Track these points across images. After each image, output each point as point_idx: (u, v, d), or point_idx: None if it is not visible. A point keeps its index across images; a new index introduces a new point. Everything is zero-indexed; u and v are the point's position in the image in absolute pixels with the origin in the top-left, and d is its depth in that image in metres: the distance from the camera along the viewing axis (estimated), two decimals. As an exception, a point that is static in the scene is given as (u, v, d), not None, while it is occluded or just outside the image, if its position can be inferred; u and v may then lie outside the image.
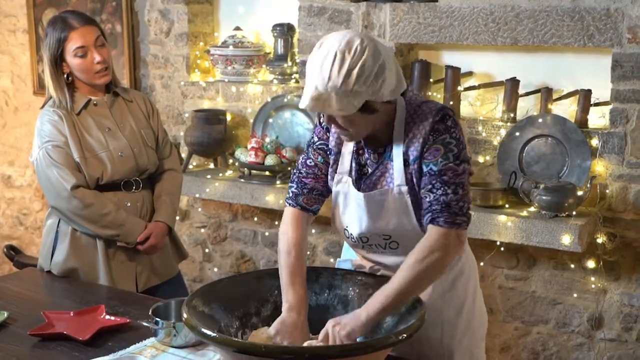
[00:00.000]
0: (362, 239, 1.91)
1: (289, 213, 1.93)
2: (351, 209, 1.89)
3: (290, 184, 1.97)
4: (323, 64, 1.66)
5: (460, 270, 1.97)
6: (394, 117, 1.81)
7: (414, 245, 1.78)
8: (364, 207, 1.85)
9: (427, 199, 1.76)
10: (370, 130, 1.80)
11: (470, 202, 1.80)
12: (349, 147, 1.89)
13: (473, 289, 2.02)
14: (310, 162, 1.94)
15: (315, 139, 1.95)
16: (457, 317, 1.95)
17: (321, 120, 1.94)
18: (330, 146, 1.92)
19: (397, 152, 1.80)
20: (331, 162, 1.92)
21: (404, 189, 1.80)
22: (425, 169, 1.77)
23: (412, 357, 1.88)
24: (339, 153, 1.91)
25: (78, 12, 2.56)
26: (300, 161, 1.97)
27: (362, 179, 1.87)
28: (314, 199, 1.93)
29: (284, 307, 1.79)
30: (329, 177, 1.92)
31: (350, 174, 1.88)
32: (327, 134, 1.93)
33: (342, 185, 1.89)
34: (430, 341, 1.91)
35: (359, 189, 1.86)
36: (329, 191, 1.94)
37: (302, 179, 1.93)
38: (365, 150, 1.87)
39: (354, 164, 1.88)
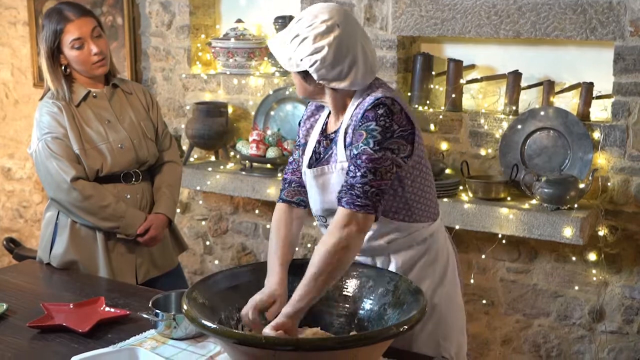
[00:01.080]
0: (322, 218, 1.95)
1: (276, 208, 2.03)
2: (309, 190, 1.95)
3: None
4: (295, 18, 1.81)
5: (425, 251, 1.95)
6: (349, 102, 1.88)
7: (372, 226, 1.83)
8: (314, 184, 1.90)
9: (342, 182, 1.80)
10: (305, 95, 1.89)
11: (382, 191, 1.76)
12: (312, 139, 1.97)
13: (440, 275, 1.97)
14: (291, 159, 2.05)
15: (298, 136, 2.06)
16: None
17: (300, 120, 2.06)
18: (301, 139, 2.01)
19: (341, 134, 1.85)
20: (301, 152, 2.00)
21: (345, 164, 1.82)
22: (348, 153, 1.81)
23: None
24: (306, 144, 1.99)
25: (74, 4, 2.53)
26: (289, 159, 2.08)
27: (316, 161, 1.93)
28: (293, 191, 2.00)
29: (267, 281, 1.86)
30: None
31: (311, 153, 1.95)
32: (300, 128, 2.04)
33: (302, 167, 1.97)
34: None
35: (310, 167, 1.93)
36: None
37: (284, 175, 2.05)
38: (323, 137, 1.94)
39: (311, 151, 1.95)
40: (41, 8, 4.25)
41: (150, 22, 3.92)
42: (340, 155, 1.85)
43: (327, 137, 1.93)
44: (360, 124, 1.78)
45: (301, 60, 1.78)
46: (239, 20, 3.68)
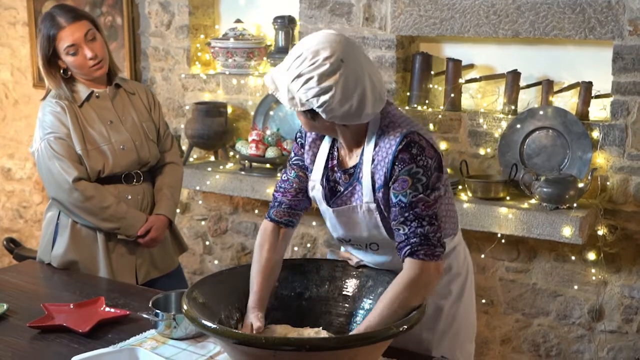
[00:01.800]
0: (345, 239, 1.92)
1: (261, 227, 1.97)
2: (325, 215, 1.91)
3: None
4: (293, 54, 1.69)
5: (447, 267, 1.95)
6: (365, 134, 1.79)
7: (392, 249, 1.78)
8: (336, 220, 1.86)
9: (402, 231, 1.72)
10: (313, 131, 1.82)
11: (442, 231, 1.75)
12: (321, 158, 1.89)
13: (460, 289, 1.99)
14: (284, 177, 1.96)
15: (292, 154, 1.97)
16: (436, 312, 1.93)
17: (297, 136, 1.96)
18: (306, 163, 1.92)
19: (366, 172, 1.78)
20: (307, 176, 1.93)
21: (372, 206, 1.78)
22: (394, 200, 1.72)
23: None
24: (313, 164, 1.91)
25: (67, 7, 2.50)
26: (281, 176, 2.00)
27: (334, 197, 1.86)
28: (283, 212, 1.94)
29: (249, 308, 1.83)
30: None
31: (322, 182, 1.87)
32: (302, 149, 1.94)
33: (316, 192, 1.89)
34: (410, 333, 1.90)
35: (329, 204, 1.86)
36: (299, 205, 1.94)
37: (275, 193, 1.97)
38: (337, 169, 1.86)
39: (325, 178, 1.87)
40: (41, 8, 4.25)
41: (149, 22, 3.92)
42: (366, 195, 1.78)
43: (345, 172, 1.84)
44: (400, 168, 1.71)
45: (307, 100, 1.68)
46: (238, 21, 3.68)
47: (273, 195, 1.98)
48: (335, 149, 1.88)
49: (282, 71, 1.71)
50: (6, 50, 4.57)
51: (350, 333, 1.70)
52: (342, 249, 2.07)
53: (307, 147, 1.92)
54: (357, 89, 1.68)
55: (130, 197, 2.56)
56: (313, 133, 1.90)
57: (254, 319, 1.78)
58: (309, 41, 1.70)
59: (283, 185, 1.95)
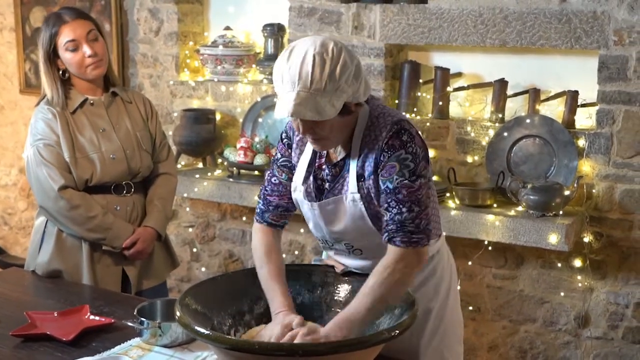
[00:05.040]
0: (328, 242, 1.93)
1: (257, 229, 1.95)
2: (309, 216, 1.90)
3: (258, 200, 1.98)
4: (302, 68, 1.63)
5: (433, 270, 1.98)
6: (355, 125, 1.79)
7: (377, 252, 1.79)
8: (319, 216, 1.86)
9: (385, 217, 1.74)
10: (344, 135, 1.78)
11: (428, 217, 1.75)
12: (304, 160, 1.88)
13: (446, 290, 2.01)
14: (275, 180, 1.94)
15: (279, 155, 1.95)
16: (425, 315, 1.94)
17: (283, 137, 1.95)
18: (293, 162, 1.92)
19: (353, 162, 1.79)
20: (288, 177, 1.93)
21: (357, 196, 1.79)
22: (382, 186, 1.74)
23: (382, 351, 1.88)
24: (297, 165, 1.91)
25: (73, 8, 2.54)
26: (266, 177, 1.97)
27: (323, 194, 1.85)
28: (280, 215, 1.95)
29: (274, 312, 1.78)
30: None
31: (304, 183, 1.87)
32: (289, 150, 1.93)
33: (297, 194, 1.89)
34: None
35: (318, 200, 1.85)
36: (294, 206, 1.95)
37: (267, 197, 1.95)
38: (325, 166, 1.86)
39: (311, 179, 1.87)
40: (28, 14, 4.24)
41: (138, 29, 3.92)
42: (352, 186, 1.79)
43: (335, 165, 1.84)
44: (389, 154, 1.73)
45: (353, 88, 1.68)
46: (228, 28, 3.69)
47: (265, 199, 1.95)
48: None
49: (306, 87, 1.63)
50: (-7, 56, 4.56)
51: (332, 320, 1.68)
52: (324, 255, 2.07)
53: (294, 146, 1.92)
54: (355, 59, 1.71)
55: (119, 207, 2.53)
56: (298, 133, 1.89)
57: (296, 320, 1.71)
58: (307, 47, 1.65)
59: (277, 188, 1.94)
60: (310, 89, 1.62)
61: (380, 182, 1.75)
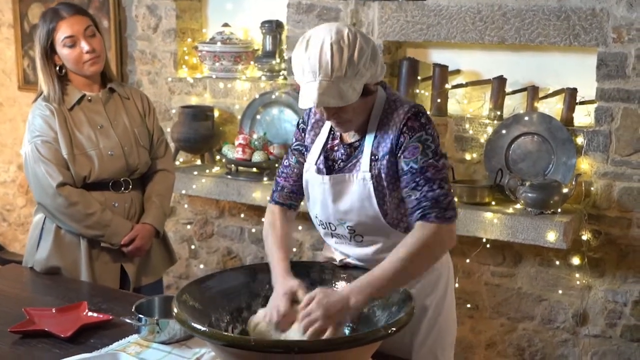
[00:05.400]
0: (330, 226, 1.94)
1: (268, 209, 2.04)
2: (317, 194, 1.93)
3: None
4: (321, 58, 1.68)
5: (431, 267, 1.97)
6: (372, 107, 1.85)
7: (378, 238, 1.83)
8: (329, 190, 1.88)
9: (414, 197, 1.77)
10: (365, 115, 1.83)
11: (453, 196, 1.82)
12: (319, 142, 1.94)
13: (443, 288, 2.01)
14: (286, 162, 2.03)
15: (293, 140, 2.03)
16: (421, 312, 1.95)
17: (299, 123, 2.01)
18: (306, 144, 1.97)
19: (368, 143, 1.84)
20: (303, 158, 1.98)
21: (368, 175, 1.82)
22: (405, 167, 1.78)
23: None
24: (313, 144, 1.96)
25: (70, 3, 2.51)
26: (282, 161, 2.06)
27: (332, 170, 1.90)
28: (286, 196, 2.02)
29: (274, 281, 1.81)
30: None
31: (317, 163, 1.92)
32: (303, 134, 1.99)
33: (310, 173, 1.94)
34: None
35: (328, 173, 1.89)
36: (300, 189, 2.00)
37: (277, 178, 2.05)
38: (339, 146, 1.90)
39: (322, 158, 1.91)
40: (26, 11, 4.24)
41: (136, 26, 3.92)
42: (364, 165, 1.83)
43: (350, 145, 1.88)
44: (410, 135, 1.78)
45: (371, 70, 1.73)
46: (226, 24, 3.69)
47: (275, 179, 2.05)
48: (334, 132, 1.93)
49: (328, 76, 1.68)
50: (-9, 52, 4.55)
51: (354, 282, 1.71)
52: (324, 246, 2.06)
53: (309, 128, 1.97)
54: (370, 42, 1.76)
55: (117, 204, 2.52)
56: (315, 115, 1.95)
57: (295, 285, 1.75)
58: (323, 36, 1.69)
59: (285, 170, 2.02)
60: (331, 77, 1.68)
61: (403, 164, 1.78)
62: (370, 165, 1.83)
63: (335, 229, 1.94)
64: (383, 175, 1.82)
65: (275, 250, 1.90)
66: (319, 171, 1.91)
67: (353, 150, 1.88)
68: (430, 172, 1.76)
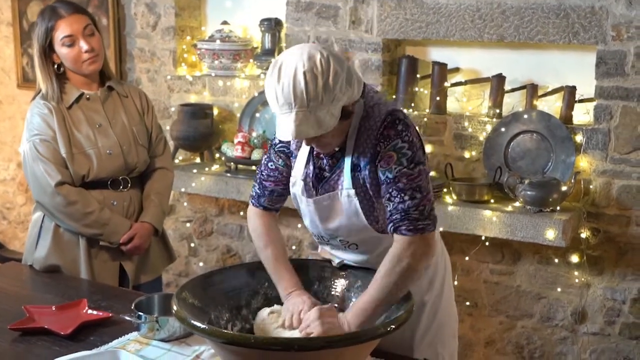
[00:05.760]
0: (324, 238, 1.93)
1: (254, 212, 1.98)
2: (305, 212, 1.91)
3: (253, 182, 1.99)
4: (295, 88, 1.62)
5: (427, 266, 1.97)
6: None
7: (373, 246, 1.82)
8: (315, 212, 1.87)
9: (388, 208, 1.75)
10: (345, 134, 1.79)
11: (432, 202, 1.76)
12: (303, 151, 1.88)
13: (440, 284, 2.02)
14: (271, 165, 1.94)
15: (277, 140, 1.93)
16: (419, 309, 1.95)
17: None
18: (291, 149, 1.92)
19: (348, 157, 1.80)
20: (292, 164, 1.92)
21: (352, 192, 1.79)
22: (382, 177, 1.76)
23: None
24: (298, 150, 1.91)
25: (68, 2, 2.49)
26: (263, 161, 1.97)
27: (320, 183, 1.86)
28: (275, 199, 1.97)
29: (285, 292, 1.84)
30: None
31: (304, 179, 1.88)
32: None
33: (296, 189, 1.90)
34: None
35: (316, 192, 1.86)
36: (288, 191, 1.96)
37: (263, 182, 1.96)
38: (323, 155, 1.86)
39: (311, 168, 1.87)
40: (25, 8, 4.23)
41: (135, 24, 3.92)
42: (346, 181, 1.80)
43: (333, 156, 1.84)
44: (385, 144, 1.74)
45: (347, 94, 1.68)
46: (225, 22, 3.68)
47: (261, 183, 1.96)
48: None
49: (305, 106, 1.64)
50: (-10, 50, 4.54)
51: (346, 310, 1.76)
52: (320, 249, 2.09)
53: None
54: (345, 63, 1.71)
55: (115, 203, 2.52)
56: None
57: (306, 299, 1.80)
58: (295, 64, 1.64)
59: (273, 174, 1.94)
60: (308, 107, 1.63)
61: (380, 173, 1.76)
62: (353, 177, 1.79)
63: (329, 240, 1.93)
64: (367, 185, 1.79)
65: (281, 265, 1.90)
66: (305, 190, 1.87)
67: (336, 161, 1.84)
68: (402, 182, 1.72)
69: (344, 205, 1.82)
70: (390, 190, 1.73)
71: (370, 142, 1.76)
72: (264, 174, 1.96)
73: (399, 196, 1.72)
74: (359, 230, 1.84)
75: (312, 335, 1.67)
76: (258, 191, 1.97)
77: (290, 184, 1.91)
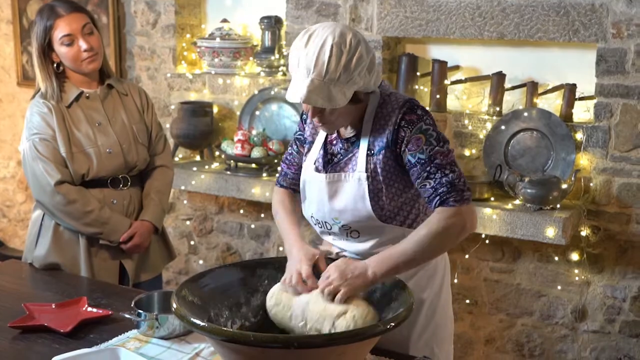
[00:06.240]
0: (326, 225, 1.95)
1: (275, 191, 2.10)
2: (313, 194, 1.94)
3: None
4: (319, 57, 1.68)
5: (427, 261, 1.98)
6: (366, 106, 1.86)
7: (374, 234, 1.85)
8: (325, 188, 1.90)
9: (429, 186, 1.78)
10: (350, 119, 1.85)
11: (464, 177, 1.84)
12: (320, 138, 1.95)
13: (439, 283, 2.02)
14: (289, 150, 2.07)
15: (297, 128, 2.06)
16: (417, 307, 1.95)
17: (302, 113, 2.03)
18: (305, 136, 2.00)
19: (364, 140, 1.85)
20: (305, 150, 2.00)
21: (363, 176, 1.84)
22: (413, 160, 1.79)
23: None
24: (312, 142, 1.98)
25: (68, 0, 2.49)
26: (288, 147, 2.10)
27: (330, 164, 1.91)
28: (289, 181, 2.07)
29: (290, 248, 1.87)
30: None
31: (315, 162, 1.94)
32: (304, 124, 2.02)
33: (307, 173, 1.96)
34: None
35: (326, 172, 1.91)
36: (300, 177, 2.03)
37: (282, 164, 2.09)
38: (338, 140, 1.92)
39: (322, 152, 1.93)
40: (25, 7, 4.23)
41: (135, 21, 3.91)
42: (360, 164, 1.85)
43: (347, 140, 1.90)
44: (410, 129, 1.79)
45: (365, 80, 1.74)
46: (225, 20, 3.68)
47: (281, 165, 2.10)
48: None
49: (321, 76, 1.68)
50: (-10, 48, 4.54)
51: (375, 255, 1.78)
52: (322, 243, 2.09)
53: (308, 120, 1.99)
54: (371, 52, 1.77)
55: (115, 201, 2.52)
56: None
57: (317, 253, 1.82)
58: (326, 35, 1.69)
59: (289, 157, 2.07)
60: (324, 78, 1.69)
61: (410, 157, 1.79)
62: (367, 161, 1.84)
63: (331, 227, 1.94)
64: (379, 169, 1.83)
65: (287, 219, 1.96)
66: (316, 169, 1.92)
67: (350, 145, 1.89)
68: (438, 159, 1.77)
69: (353, 187, 1.86)
70: (428, 168, 1.77)
71: (389, 127, 1.81)
72: (284, 157, 2.09)
73: (439, 172, 1.77)
74: (361, 216, 1.87)
75: (340, 294, 1.70)
76: (279, 173, 2.10)
77: (304, 168, 1.98)
